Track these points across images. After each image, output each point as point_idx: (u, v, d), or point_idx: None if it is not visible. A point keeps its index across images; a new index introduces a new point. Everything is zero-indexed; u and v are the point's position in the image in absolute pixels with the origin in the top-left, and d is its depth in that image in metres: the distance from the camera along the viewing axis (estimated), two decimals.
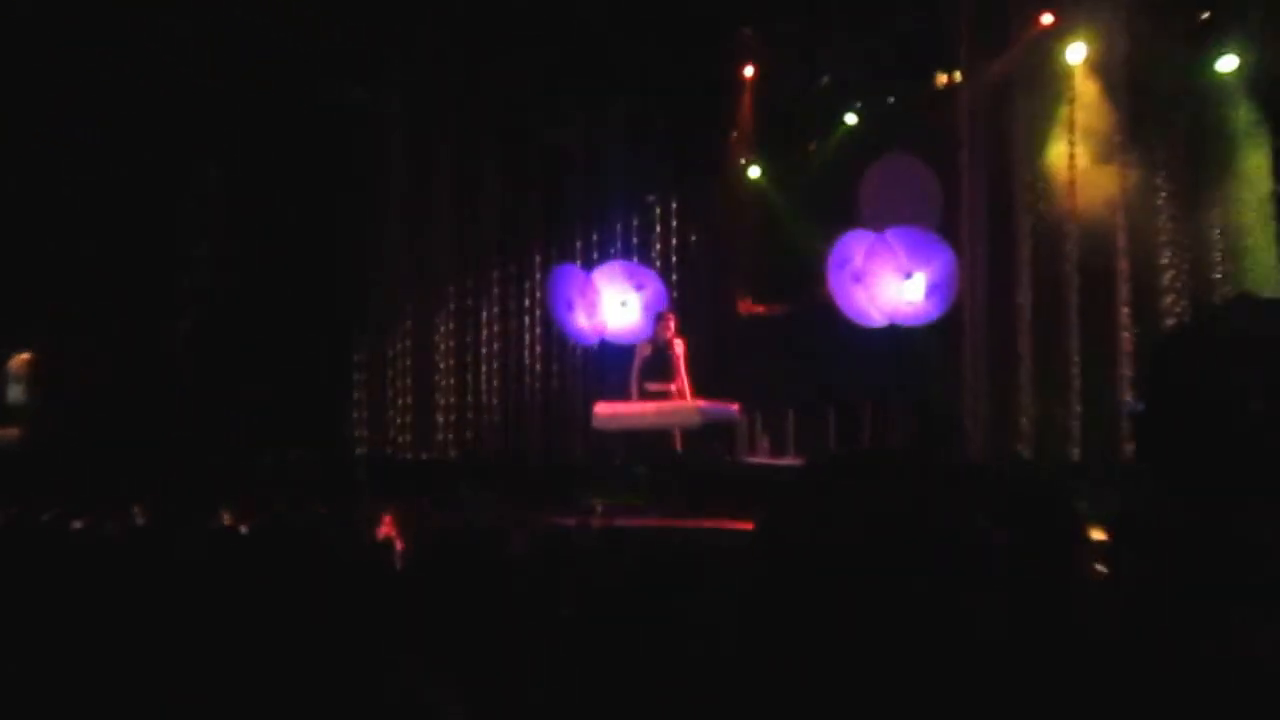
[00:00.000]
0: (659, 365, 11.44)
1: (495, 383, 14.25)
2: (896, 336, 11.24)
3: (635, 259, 13.48)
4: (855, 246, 11.34)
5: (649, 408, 11.30)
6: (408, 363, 14.21)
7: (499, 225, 14.07)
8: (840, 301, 11.35)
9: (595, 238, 13.82)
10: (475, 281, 14.27)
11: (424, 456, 13.82)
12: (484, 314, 14.38)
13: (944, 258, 11.10)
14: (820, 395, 12.06)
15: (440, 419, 14.13)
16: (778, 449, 12.25)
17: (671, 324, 11.49)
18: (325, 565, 4.10)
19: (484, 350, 14.38)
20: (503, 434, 14.09)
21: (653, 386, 11.39)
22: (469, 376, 14.29)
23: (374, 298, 14.06)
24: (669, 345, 11.37)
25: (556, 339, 13.75)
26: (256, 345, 13.18)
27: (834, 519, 2.01)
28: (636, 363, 11.52)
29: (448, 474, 12.43)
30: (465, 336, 14.41)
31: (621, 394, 11.74)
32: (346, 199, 13.66)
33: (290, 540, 4.88)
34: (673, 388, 11.34)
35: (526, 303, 14.22)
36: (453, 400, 14.04)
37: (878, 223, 11.30)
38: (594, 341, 13.05)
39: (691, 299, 13.22)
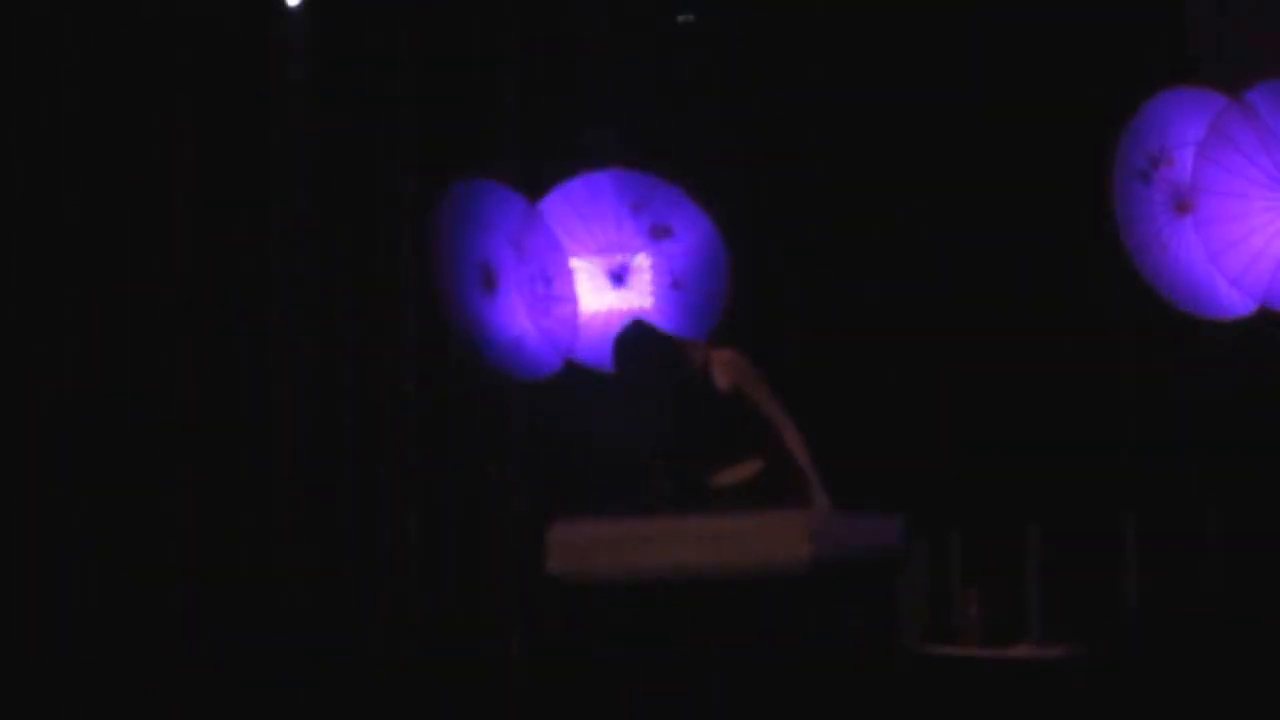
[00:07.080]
0: (718, 424, 6.12)
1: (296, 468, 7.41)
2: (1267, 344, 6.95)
3: (646, 169, 7.17)
4: (1174, 126, 7.05)
5: (688, 527, 5.77)
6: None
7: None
8: (1141, 260, 6.99)
9: (552, 117, 7.19)
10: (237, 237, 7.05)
11: None
12: (272, 310, 7.24)
13: None
14: (1099, 487, 7.06)
15: None
16: (1001, 625, 6.93)
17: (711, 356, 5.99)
18: None
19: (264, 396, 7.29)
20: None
21: (722, 476, 6.04)
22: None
23: None
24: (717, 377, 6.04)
25: (451, 362, 7.06)
26: None
27: None
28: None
29: None
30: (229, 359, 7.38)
31: (608, 501, 5.99)
32: None
33: None
34: (755, 470, 5.96)
35: (372, 280, 7.17)
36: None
37: (1224, 74, 7.04)
38: (549, 365, 7.17)
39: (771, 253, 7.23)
